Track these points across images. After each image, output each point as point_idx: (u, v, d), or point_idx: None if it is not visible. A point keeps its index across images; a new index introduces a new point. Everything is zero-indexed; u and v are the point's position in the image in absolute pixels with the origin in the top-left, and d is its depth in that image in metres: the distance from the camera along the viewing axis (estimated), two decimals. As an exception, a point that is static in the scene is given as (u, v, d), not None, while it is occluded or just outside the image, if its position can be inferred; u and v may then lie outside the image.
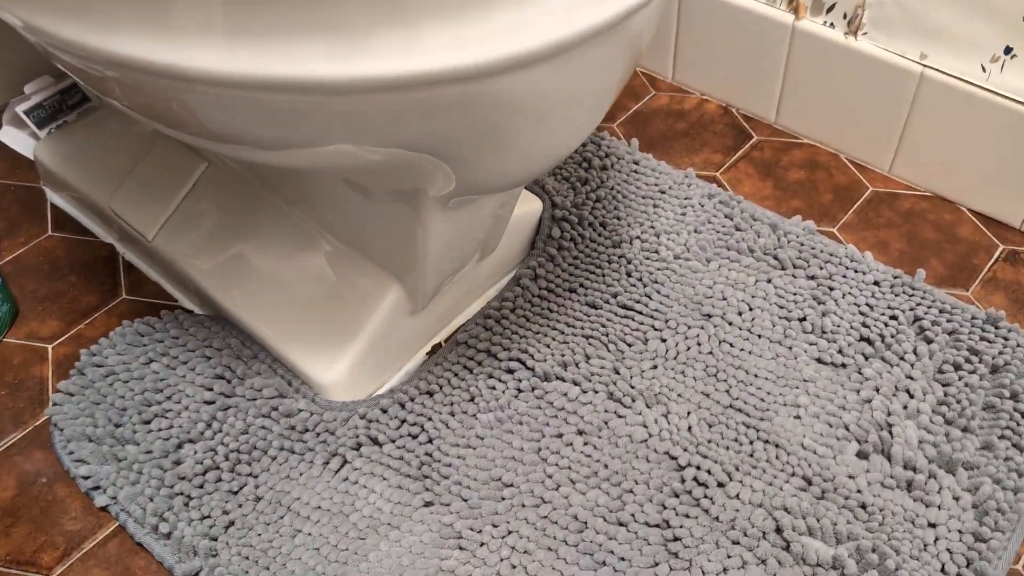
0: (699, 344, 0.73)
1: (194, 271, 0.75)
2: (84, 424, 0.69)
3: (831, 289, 0.77)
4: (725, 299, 0.76)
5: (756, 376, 0.71)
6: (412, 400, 0.70)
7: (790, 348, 0.73)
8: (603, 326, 0.75)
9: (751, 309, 0.76)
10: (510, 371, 0.72)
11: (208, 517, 0.64)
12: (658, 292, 0.77)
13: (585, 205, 0.83)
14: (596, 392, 0.70)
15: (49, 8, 0.45)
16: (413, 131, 0.47)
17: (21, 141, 0.92)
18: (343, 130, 0.46)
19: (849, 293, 0.76)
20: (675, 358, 0.73)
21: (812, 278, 0.78)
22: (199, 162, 0.77)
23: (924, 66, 0.79)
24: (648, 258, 0.80)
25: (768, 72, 0.89)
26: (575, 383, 0.71)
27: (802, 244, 0.80)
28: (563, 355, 0.73)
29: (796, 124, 0.91)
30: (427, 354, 0.75)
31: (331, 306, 0.70)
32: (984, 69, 0.77)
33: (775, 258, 0.79)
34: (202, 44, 0.42)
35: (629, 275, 0.79)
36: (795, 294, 0.77)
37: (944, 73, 0.78)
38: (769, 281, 0.78)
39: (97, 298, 0.79)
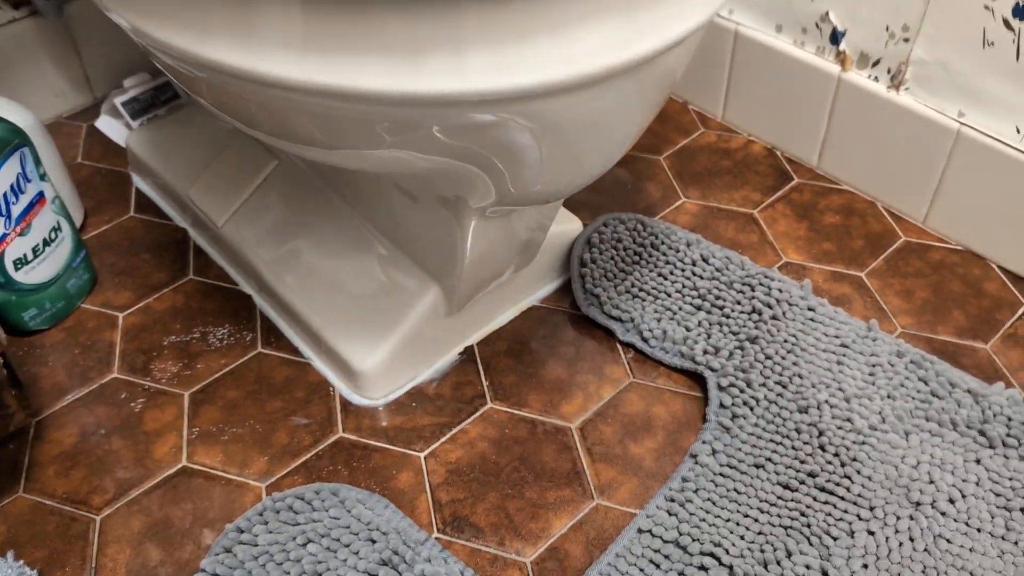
0: (912, 540, 0.65)
1: (255, 258, 0.82)
2: None
3: None
4: (933, 483, 0.68)
5: None
6: None
7: (1016, 543, 0.65)
8: (802, 514, 0.67)
9: (964, 496, 0.67)
10: (703, 568, 0.64)
11: None
12: (859, 473, 0.69)
13: (755, 367, 0.76)
14: None
15: (153, 14, 0.52)
16: (455, 144, 0.52)
17: (116, 129, 1.02)
18: (394, 138, 0.52)
19: None
20: (887, 556, 0.64)
21: None
22: (271, 159, 0.84)
23: (961, 123, 0.82)
24: (841, 428, 0.72)
25: (813, 119, 0.93)
26: None
27: (1010, 419, 0.72)
28: (762, 550, 0.65)
29: (837, 170, 0.94)
30: (459, 354, 0.80)
31: (375, 302, 0.76)
32: (1019, 131, 0.79)
33: (983, 434, 0.71)
34: (280, 55, 0.49)
35: (823, 449, 0.71)
36: (1011, 478, 0.69)
37: (980, 132, 0.81)
38: (979, 462, 0.70)
39: (167, 275, 0.87)
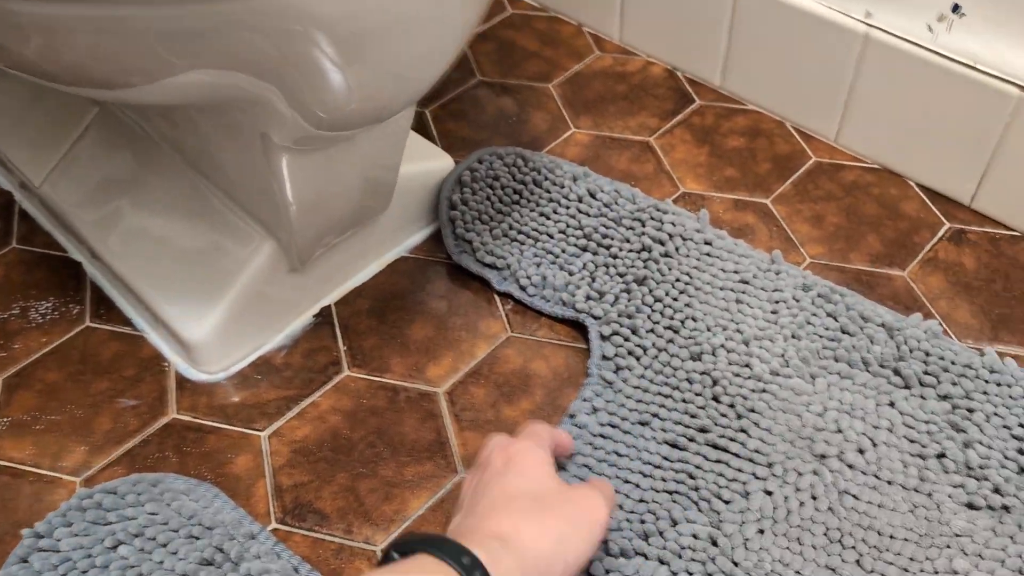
0: (814, 498, 0.57)
1: (78, 220, 0.72)
2: None
3: (971, 412, 0.61)
4: (841, 431, 0.60)
5: (893, 538, 0.55)
6: None
7: (930, 495, 0.57)
8: (691, 476, 0.59)
9: (875, 445, 0.59)
10: None
11: None
12: (757, 425, 0.61)
13: (642, 311, 0.67)
14: (690, 574, 0.54)
15: None
16: (229, 49, 0.45)
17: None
18: (163, 47, 0.45)
19: (995, 414, 0.60)
20: (786, 518, 0.56)
21: (945, 398, 0.62)
22: (91, 107, 0.74)
23: (869, 25, 0.73)
24: (738, 375, 0.63)
25: (713, 35, 0.84)
26: (661, 561, 0.54)
27: (928, 354, 0.64)
28: (642, 521, 0.56)
29: (741, 89, 0.85)
30: (314, 316, 0.70)
31: (207, 263, 0.67)
32: (931, 29, 0.70)
33: (896, 373, 0.63)
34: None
35: (717, 400, 0.62)
36: (928, 422, 0.61)
37: (889, 33, 0.72)
38: (892, 405, 0.61)
39: (-13, 246, 0.76)
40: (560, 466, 0.59)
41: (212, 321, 0.65)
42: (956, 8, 0.69)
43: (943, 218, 0.75)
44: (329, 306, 0.71)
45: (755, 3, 0.79)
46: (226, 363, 0.67)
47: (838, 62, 0.77)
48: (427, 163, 0.75)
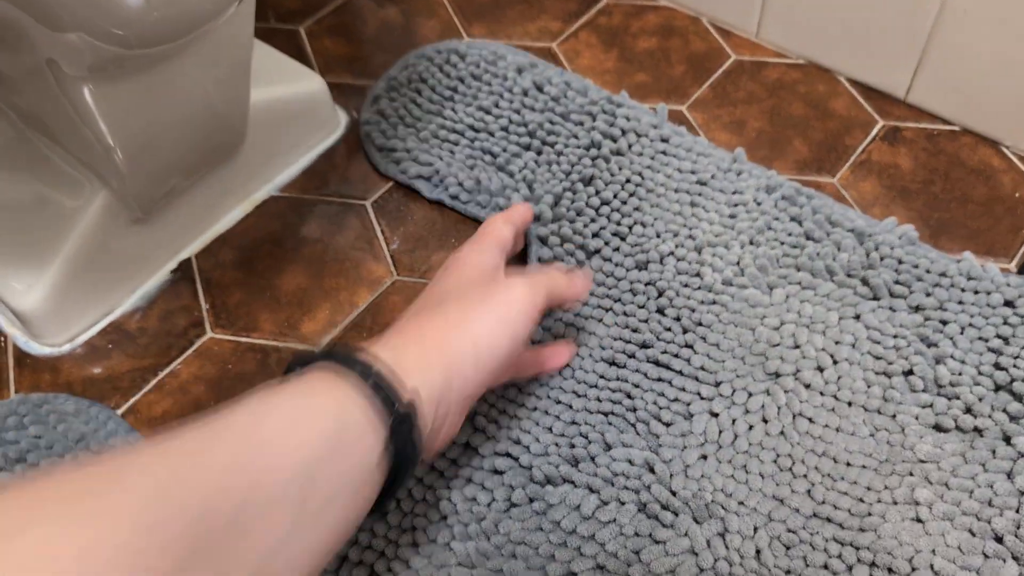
0: (765, 421, 0.51)
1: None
2: None
3: (944, 324, 0.54)
4: (799, 347, 0.54)
5: (849, 465, 0.50)
6: (360, 529, 0.44)
7: (894, 416, 0.51)
8: (628, 395, 0.53)
9: (836, 362, 0.53)
10: (497, 472, 0.50)
11: None
12: (704, 340, 0.54)
13: (585, 214, 0.60)
14: (622, 503, 0.48)
15: None
16: None
17: None
18: None
19: (971, 325, 0.54)
20: (732, 444, 0.50)
21: (917, 309, 0.55)
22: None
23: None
24: (687, 286, 0.57)
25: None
26: (591, 489, 0.49)
27: (900, 261, 0.57)
28: (572, 445, 0.51)
29: (651, -18, 0.76)
30: (172, 272, 0.62)
31: (35, 220, 0.58)
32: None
33: (864, 283, 0.56)
34: None
35: (662, 313, 0.56)
36: (896, 336, 0.54)
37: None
38: (858, 318, 0.55)
39: None
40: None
41: (46, 285, 0.56)
42: None
43: (876, 115, 0.67)
44: (189, 259, 0.62)
45: None
46: (71, 333, 0.58)
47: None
48: (293, 86, 0.65)
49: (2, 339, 0.59)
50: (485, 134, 0.66)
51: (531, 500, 0.49)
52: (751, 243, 0.59)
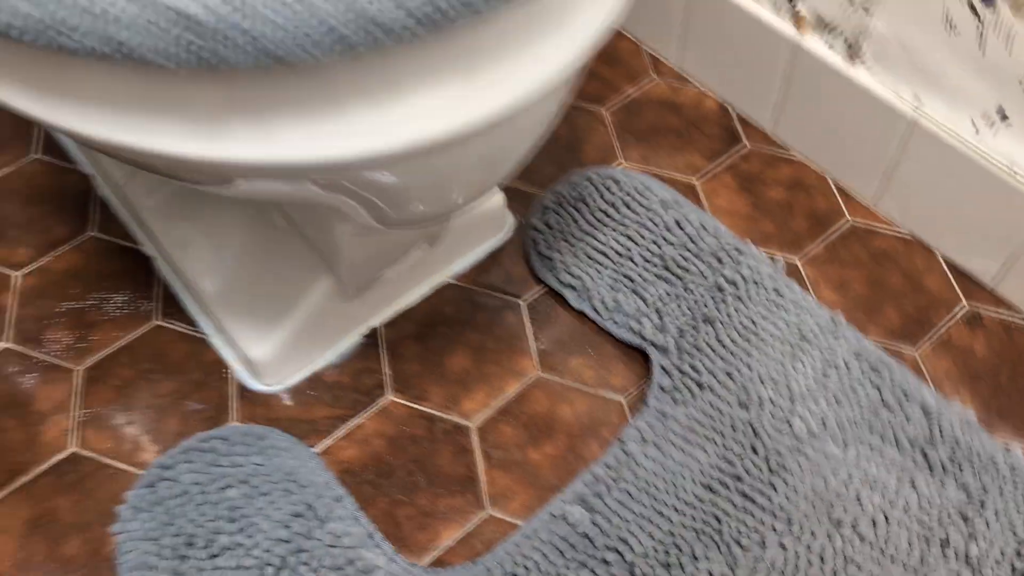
0: (822, 560, 0.64)
1: (156, 225, 0.77)
2: (149, 551, 0.64)
3: (983, 505, 0.66)
4: (860, 503, 0.66)
5: None
6: None
7: None
8: (717, 519, 0.66)
9: (888, 521, 0.65)
10: (605, 562, 0.64)
11: None
12: (785, 483, 0.67)
13: (703, 350, 0.72)
14: None
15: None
16: (299, 197, 0.47)
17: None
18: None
19: (1004, 512, 0.66)
20: (793, 574, 0.63)
21: (963, 487, 0.67)
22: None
23: (917, 110, 0.75)
24: (778, 431, 0.69)
25: (768, 80, 0.86)
26: None
27: (957, 442, 0.69)
28: (667, 552, 0.64)
29: (791, 138, 0.88)
30: (363, 336, 0.76)
31: (271, 283, 0.73)
32: (975, 126, 0.73)
33: (924, 455, 0.69)
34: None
35: (755, 451, 0.68)
36: (941, 508, 0.66)
37: (935, 123, 0.75)
38: (913, 485, 0.67)
39: (67, 231, 0.82)
40: (604, 489, 0.66)
41: (274, 340, 0.71)
42: (1002, 114, 0.71)
43: (963, 297, 0.78)
44: (377, 327, 0.77)
45: (812, 62, 0.80)
46: (282, 377, 0.73)
47: (884, 137, 0.79)
48: (479, 197, 0.79)
49: (226, 371, 0.75)
50: (627, 260, 0.79)
51: (629, 593, 0.63)
52: (836, 401, 0.71)
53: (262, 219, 0.74)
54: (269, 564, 0.63)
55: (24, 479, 0.69)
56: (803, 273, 0.80)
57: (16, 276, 0.79)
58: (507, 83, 0.40)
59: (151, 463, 0.68)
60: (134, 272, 0.80)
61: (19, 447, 0.70)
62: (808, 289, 0.79)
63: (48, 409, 0.72)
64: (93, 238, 0.82)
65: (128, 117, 0.38)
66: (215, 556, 0.64)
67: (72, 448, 0.71)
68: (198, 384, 0.74)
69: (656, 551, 0.65)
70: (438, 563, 0.66)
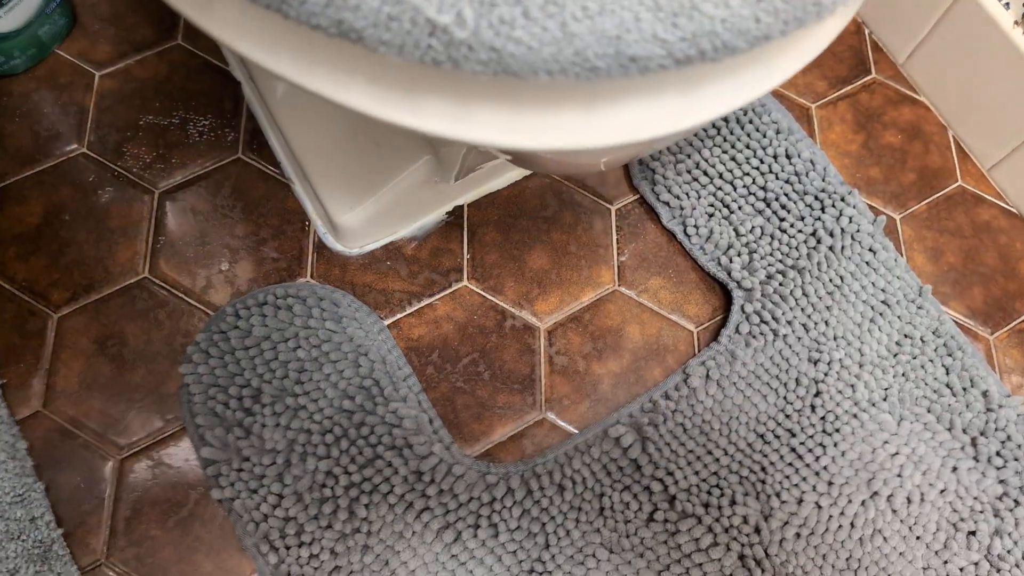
0: (852, 526, 0.67)
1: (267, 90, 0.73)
2: (216, 399, 0.65)
3: (1016, 504, 0.68)
4: (901, 478, 0.68)
5: None
6: (541, 489, 0.65)
7: (945, 563, 0.66)
8: (763, 469, 0.68)
9: (922, 500, 0.68)
10: (648, 490, 0.66)
11: (316, 557, 0.62)
12: (835, 445, 0.68)
13: (787, 300, 0.71)
14: (729, 549, 0.65)
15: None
16: None
17: None
18: None
19: None
20: (822, 534, 0.66)
21: (1003, 482, 0.69)
22: None
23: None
24: (841, 393, 0.70)
25: (920, 12, 0.79)
26: (710, 530, 0.65)
27: (1009, 437, 0.70)
28: (709, 492, 0.67)
29: (921, 77, 0.82)
30: (447, 213, 0.75)
31: (369, 154, 0.70)
32: None
33: (973, 444, 0.70)
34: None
35: (813, 409, 0.69)
36: (976, 498, 0.68)
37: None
38: (955, 471, 0.69)
39: (153, 34, 0.77)
40: (660, 418, 0.68)
41: (361, 210, 0.69)
42: None
43: (1053, 287, 0.77)
44: (462, 206, 0.75)
45: (976, 13, 0.74)
46: (362, 242, 0.72)
47: (1024, 107, 0.74)
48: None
49: (307, 223, 0.73)
50: (728, 185, 0.76)
51: (665, 521, 0.66)
52: (904, 375, 0.72)
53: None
54: (330, 431, 0.65)
55: (95, 296, 0.69)
56: (900, 232, 0.78)
57: (96, 76, 0.76)
58: (713, 102, 0.37)
59: (223, 307, 0.69)
60: (221, 96, 0.76)
61: (91, 262, 0.70)
62: (902, 251, 0.77)
63: (122, 227, 0.71)
64: (180, 47, 0.77)
65: (320, 67, 0.34)
66: (278, 414, 0.66)
67: (144, 274, 0.70)
68: (275, 231, 0.73)
69: (699, 488, 0.67)
70: (487, 455, 0.68)
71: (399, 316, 0.71)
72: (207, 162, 0.74)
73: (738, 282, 0.73)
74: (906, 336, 0.73)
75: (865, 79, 0.83)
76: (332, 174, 0.70)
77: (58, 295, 0.69)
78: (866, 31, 0.85)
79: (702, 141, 0.77)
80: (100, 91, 0.75)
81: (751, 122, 0.77)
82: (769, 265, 0.74)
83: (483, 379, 0.70)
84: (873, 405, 0.70)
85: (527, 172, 0.76)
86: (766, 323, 0.72)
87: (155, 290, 0.70)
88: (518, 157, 0.51)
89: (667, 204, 0.76)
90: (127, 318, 0.69)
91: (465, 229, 0.74)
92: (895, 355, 0.72)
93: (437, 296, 0.72)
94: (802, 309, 0.72)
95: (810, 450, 0.69)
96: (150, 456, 0.66)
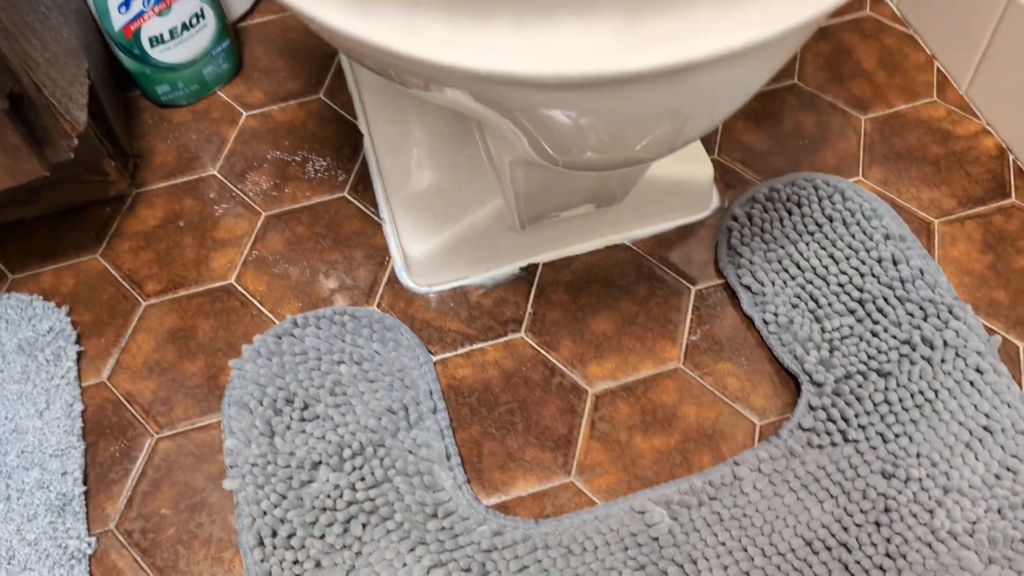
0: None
1: (372, 102, 0.79)
2: (252, 394, 0.67)
3: None
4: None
5: None
6: (547, 548, 0.60)
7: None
8: None
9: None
10: (664, 574, 0.60)
11: (300, 564, 0.61)
12: (899, 572, 0.58)
13: (863, 402, 0.64)
14: None
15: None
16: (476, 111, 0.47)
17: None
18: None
19: None
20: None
21: None
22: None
23: None
24: (914, 516, 0.60)
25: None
26: None
27: None
28: None
29: (1071, 208, 0.74)
30: (520, 269, 0.74)
31: (448, 192, 0.72)
32: None
33: None
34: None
35: (878, 528, 0.60)
36: None
37: None
38: None
39: (300, 86, 0.87)
40: (697, 502, 0.61)
41: (434, 244, 0.71)
42: None
43: None
44: (537, 264, 0.75)
45: None
46: (432, 280, 0.73)
47: None
48: (685, 166, 0.74)
49: (387, 258, 0.76)
50: (821, 280, 0.70)
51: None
52: (998, 511, 0.60)
53: (463, 131, 0.74)
54: (349, 447, 0.64)
55: (182, 292, 0.75)
56: (1022, 361, 0.68)
57: (243, 115, 0.85)
58: (666, 39, 0.36)
59: (286, 317, 0.71)
60: (343, 143, 0.83)
61: (188, 264, 0.76)
62: (1021, 382, 0.67)
63: (224, 239, 0.77)
64: (320, 100, 0.86)
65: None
66: (304, 420, 0.66)
67: (230, 280, 0.75)
68: (358, 262, 0.76)
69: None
70: (501, 507, 0.64)
71: (449, 355, 0.70)
72: (315, 196, 0.79)
73: (810, 375, 0.66)
74: (1008, 469, 0.62)
75: (1003, 202, 0.76)
76: (413, 209, 0.73)
77: (152, 286, 0.75)
78: (1010, 157, 0.78)
79: (799, 235, 0.73)
80: (243, 128, 0.84)
81: (858, 223, 0.72)
82: (850, 364, 0.66)
83: (516, 430, 0.67)
84: (954, 538, 0.60)
85: (611, 241, 0.75)
86: (834, 422, 0.64)
87: (236, 296, 0.74)
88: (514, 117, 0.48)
89: (749, 288, 0.71)
90: (203, 315, 0.73)
91: (535, 285, 0.74)
92: (991, 487, 0.61)
93: (490, 342, 0.71)
94: (881, 416, 0.64)
95: (866, 571, 0.59)
96: (184, 440, 0.67)
